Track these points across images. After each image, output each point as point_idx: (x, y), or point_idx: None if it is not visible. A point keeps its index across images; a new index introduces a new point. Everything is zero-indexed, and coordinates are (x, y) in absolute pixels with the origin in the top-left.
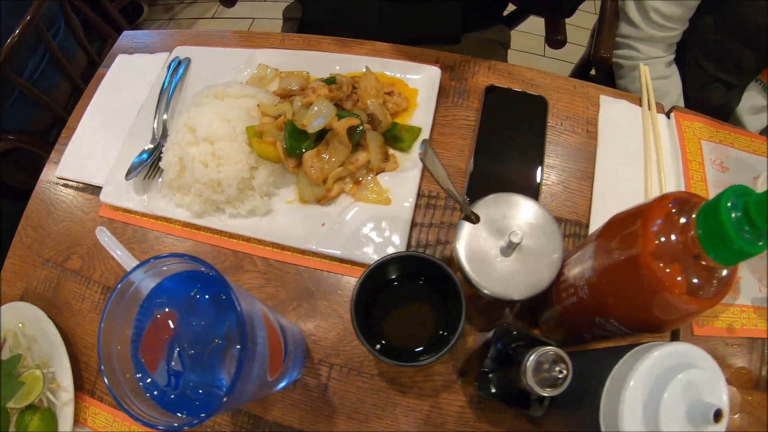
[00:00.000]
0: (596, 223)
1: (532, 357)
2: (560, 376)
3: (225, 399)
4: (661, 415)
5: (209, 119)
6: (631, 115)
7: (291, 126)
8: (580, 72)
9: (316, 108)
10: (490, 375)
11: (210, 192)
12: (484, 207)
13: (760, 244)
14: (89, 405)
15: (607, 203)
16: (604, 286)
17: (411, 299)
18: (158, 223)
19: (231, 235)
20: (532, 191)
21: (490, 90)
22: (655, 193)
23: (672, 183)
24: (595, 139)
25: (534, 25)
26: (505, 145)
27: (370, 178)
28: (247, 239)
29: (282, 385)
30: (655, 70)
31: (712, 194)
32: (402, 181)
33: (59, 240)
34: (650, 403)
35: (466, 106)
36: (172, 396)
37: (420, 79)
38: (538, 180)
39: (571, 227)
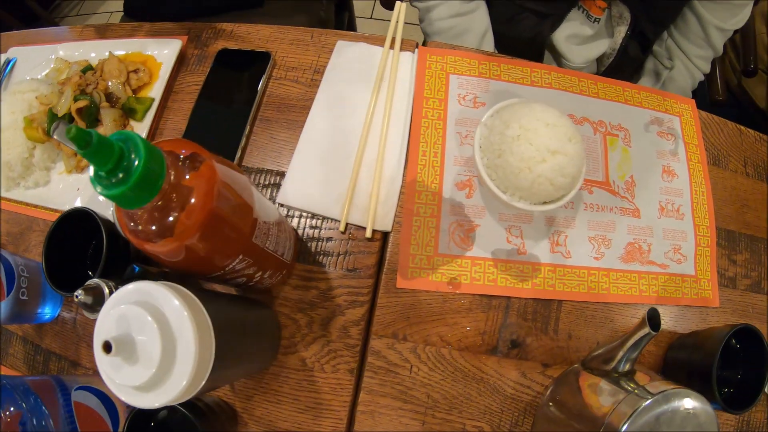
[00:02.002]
0: (291, 172)
1: None
2: None
3: None
4: None
5: (3, 113)
6: (367, 58)
7: (50, 112)
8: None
9: (64, 95)
10: None
11: (7, 170)
12: None
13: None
14: None
15: (311, 151)
16: None
17: None
18: None
19: (27, 204)
20: (233, 147)
21: (221, 54)
22: (373, 137)
23: (400, 124)
24: (318, 86)
25: None
26: (221, 104)
27: None
28: (35, 206)
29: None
30: (452, 7)
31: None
32: None
33: None
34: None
35: (202, 72)
36: None
37: (166, 54)
38: (244, 134)
39: (272, 177)
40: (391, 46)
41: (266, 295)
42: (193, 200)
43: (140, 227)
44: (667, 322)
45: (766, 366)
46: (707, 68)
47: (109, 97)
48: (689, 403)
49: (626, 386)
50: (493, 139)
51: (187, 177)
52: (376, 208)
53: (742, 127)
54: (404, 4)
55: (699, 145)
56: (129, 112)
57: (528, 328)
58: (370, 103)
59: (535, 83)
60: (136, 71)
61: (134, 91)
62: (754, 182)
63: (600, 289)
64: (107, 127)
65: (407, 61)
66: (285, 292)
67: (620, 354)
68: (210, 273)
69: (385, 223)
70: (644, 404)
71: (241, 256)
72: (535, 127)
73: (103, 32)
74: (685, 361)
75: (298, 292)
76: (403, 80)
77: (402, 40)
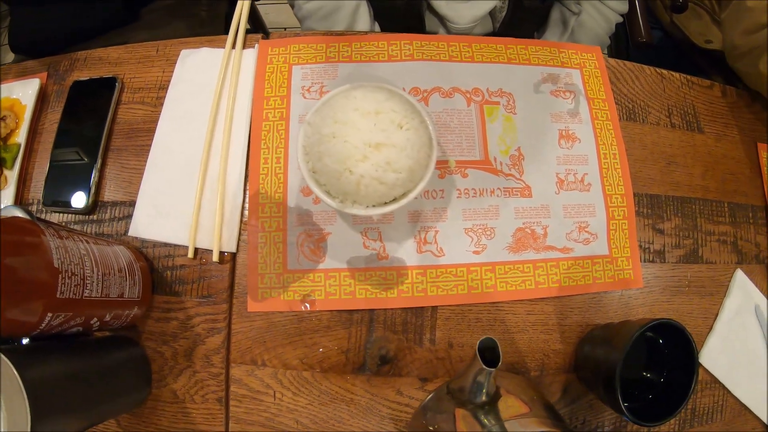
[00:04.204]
0: (142, 195)
1: None
2: None
3: None
4: None
5: None
6: (210, 63)
7: None
8: None
9: None
10: None
11: None
12: None
13: None
14: None
15: (157, 176)
16: None
17: None
18: None
19: None
20: (85, 185)
21: (74, 86)
22: (215, 151)
23: (242, 132)
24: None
25: None
26: (76, 140)
27: None
28: None
29: None
30: None
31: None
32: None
33: None
34: None
35: (60, 109)
36: None
37: (30, 94)
38: (95, 168)
39: (125, 209)
40: (236, 46)
41: (133, 331)
42: None
43: None
44: (575, 315)
45: (695, 368)
46: (624, 7)
47: None
48: None
49: (483, 419)
50: (314, 140)
51: None
52: (221, 229)
53: (665, 71)
54: (247, 2)
55: (607, 99)
56: (1, 162)
57: (398, 341)
58: (211, 113)
59: (394, 58)
60: (3, 118)
61: (3, 140)
62: (683, 133)
63: (484, 288)
64: None
65: (250, 60)
66: (149, 326)
67: (468, 386)
68: (25, 333)
69: (231, 244)
70: None
71: (50, 314)
72: (353, 120)
73: None
74: (593, 361)
75: (160, 324)
76: (246, 83)
77: (247, 37)
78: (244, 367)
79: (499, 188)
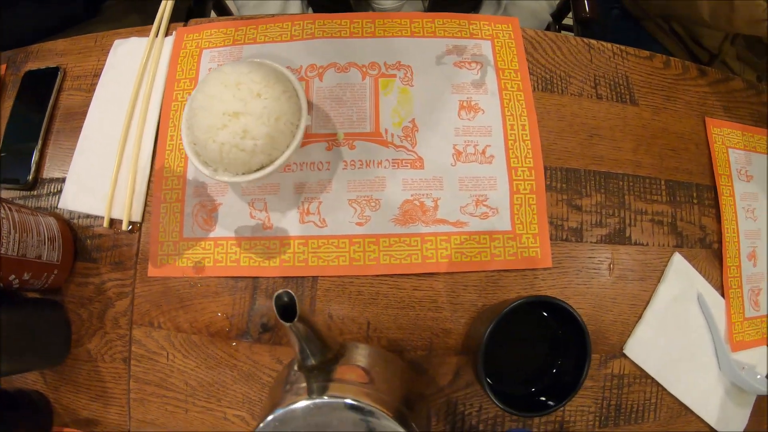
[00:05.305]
0: (71, 172)
1: None
2: None
3: None
4: None
5: None
6: (137, 51)
7: None
8: None
9: None
10: None
11: None
12: None
13: None
14: None
15: (85, 154)
16: None
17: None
18: None
19: None
20: (27, 164)
21: (26, 76)
22: (133, 130)
23: (156, 113)
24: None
25: None
26: (24, 124)
27: None
28: None
29: None
30: None
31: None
32: None
33: None
34: None
35: (14, 96)
36: None
37: None
38: (36, 149)
39: (59, 184)
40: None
41: (58, 295)
42: None
43: None
44: (470, 294)
45: (587, 354)
46: None
47: None
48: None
49: (305, 384)
50: (190, 114)
51: None
52: (131, 201)
53: (594, 42)
54: None
55: (521, 69)
56: None
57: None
58: (132, 96)
59: (296, 37)
60: None
61: None
62: (611, 105)
63: (366, 260)
64: None
65: (169, 47)
66: (71, 290)
67: (297, 346)
68: None
69: (137, 214)
70: (293, 406)
71: None
72: (217, 92)
73: None
74: (474, 340)
75: (79, 288)
76: (163, 68)
77: (171, 26)
78: (143, 328)
79: (387, 160)
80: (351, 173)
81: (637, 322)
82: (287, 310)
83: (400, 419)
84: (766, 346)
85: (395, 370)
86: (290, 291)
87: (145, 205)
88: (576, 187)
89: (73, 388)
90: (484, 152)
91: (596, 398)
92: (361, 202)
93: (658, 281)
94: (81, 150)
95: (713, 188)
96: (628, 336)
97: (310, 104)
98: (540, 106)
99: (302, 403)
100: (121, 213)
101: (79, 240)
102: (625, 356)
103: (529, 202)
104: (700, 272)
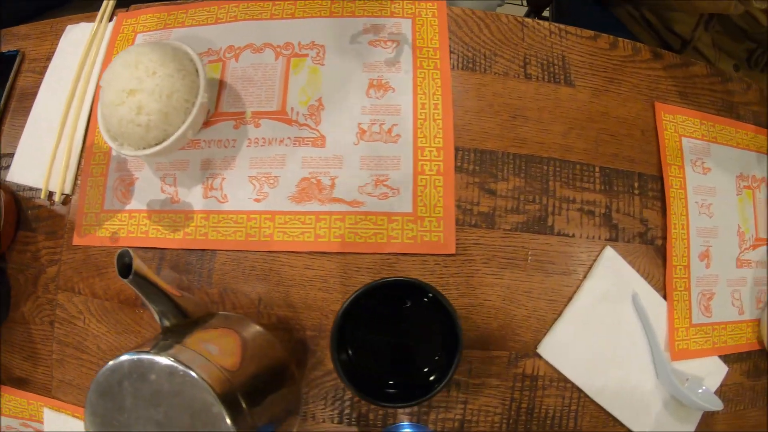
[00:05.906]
0: (19, 148)
1: None
2: None
3: None
4: None
5: None
6: (84, 35)
7: None
8: None
9: None
10: None
11: None
12: None
13: None
14: None
15: (31, 132)
16: None
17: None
18: None
19: None
20: None
21: None
22: (73, 109)
23: (90, 94)
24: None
25: None
26: None
27: None
28: None
29: None
30: None
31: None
32: None
33: None
34: None
35: None
36: None
37: None
38: None
39: (10, 159)
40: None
41: (3, 262)
42: None
43: None
44: (363, 276)
45: (458, 347)
46: None
47: None
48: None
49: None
50: (102, 92)
51: None
52: (65, 174)
53: (529, 20)
54: None
55: (441, 48)
56: None
57: (180, 281)
58: (74, 77)
59: (220, 20)
60: None
61: None
62: (540, 85)
63: (261, 236)
64: None
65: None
66: (13, 257)
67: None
68: None
69: (68, 186)
70: (121, 358)
71: None
72: (118, 71)
73: None
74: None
75: (20, 255)
76: (103, 51)
77: (116, 11)
78: (66, 294)
79: (288, 137)
80: (254, 150)
81: (556, 319)
82: (130, 268)
83: (223, 388)
84: (718, 357)
85: (259, 345)
86: (129, 250)
87: (76, 178)
88: (491, 170)
89: (9, 348)
90: (390, 131)
91: (503, 399)
92: (261, 179)
93: (585, 277)
94: (29, 127)
95: (659, 179)
96: (545, 334)
97: (222, 84)
98: (458, 84)
99: (128, 356)
100: (57, 186)
101: (22, 210)
102: (539, 356)
103: (435, 184)
104: (638, 270)
